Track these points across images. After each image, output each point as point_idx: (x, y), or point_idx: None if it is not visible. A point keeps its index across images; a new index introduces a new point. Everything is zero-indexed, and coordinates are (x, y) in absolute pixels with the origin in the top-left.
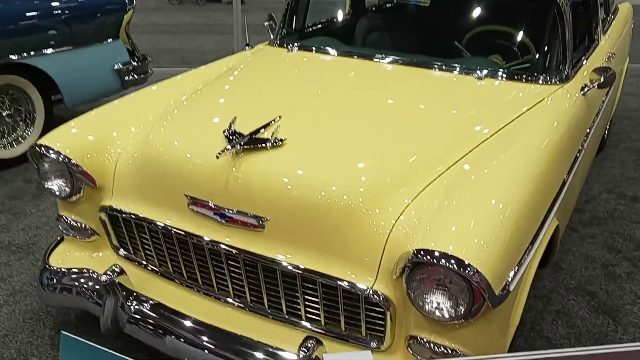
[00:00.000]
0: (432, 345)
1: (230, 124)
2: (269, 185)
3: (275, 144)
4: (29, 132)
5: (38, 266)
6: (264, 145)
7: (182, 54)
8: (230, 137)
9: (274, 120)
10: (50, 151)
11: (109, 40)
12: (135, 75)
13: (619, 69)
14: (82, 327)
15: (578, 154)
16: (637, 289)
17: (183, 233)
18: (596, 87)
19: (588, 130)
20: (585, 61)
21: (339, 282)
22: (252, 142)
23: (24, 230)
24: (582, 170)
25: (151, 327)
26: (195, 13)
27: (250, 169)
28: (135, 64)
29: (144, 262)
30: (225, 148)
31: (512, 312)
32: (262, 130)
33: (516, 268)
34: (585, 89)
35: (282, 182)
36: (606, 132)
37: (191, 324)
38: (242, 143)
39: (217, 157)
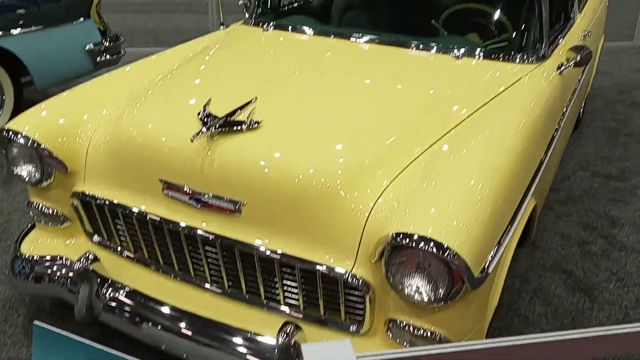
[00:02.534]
0: (411, 328)
1: (204, 106)
2: (245, 169)
3: (251, 126)
4: None
5: (10, 253)
6: (239, 127)
7: (157, 34)
8: (205, 120)
9: (250, 102)
10: (19, 135)
11: (79, 20)
12: (107, 56)
13: (595, 47)
14: (57, 315)
15: (555, 133)
16: (612, 267)
17: (158, 219)
18: (572, 65)
19: (564, 109)
20: (561, 40)
21: (318, 267)
22: (228, 125)
23: None
24: (558, 149)
25: (127, 315)
26: None
27: (226, 152)
28: (107, 44)
29: (119, 249)
30: (200, 131)
31: (490, 293)
32: (237, 112)
33: (495, 249)
34: (562, 68)
35: (258, 165)
36: (581, 110)
37: (168, 311)
38: (217, 125)
39: (192, 141)
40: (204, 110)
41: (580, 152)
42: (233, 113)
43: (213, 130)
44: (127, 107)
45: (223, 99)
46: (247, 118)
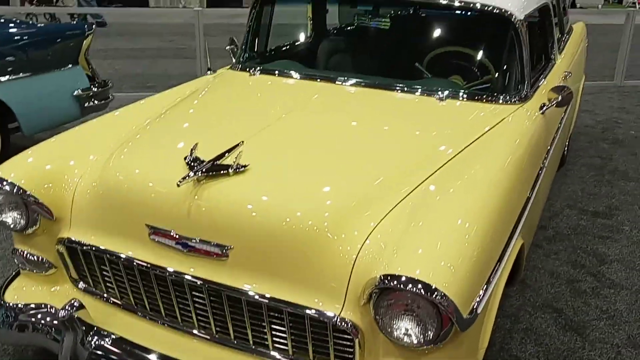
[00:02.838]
0: None
1: (191, 151)
2: (232, 213)
3: (237, 170)
4: None
5: None
6: (226, 171)
7: (145, 79)
8: (192, 164)
9: (237, 146)
10: (4, 182)
11: (68, 66)
12: (95, 102)
13: (576, 87)
14: None
15: (540, 172)
16: (602, 304)
17: (145, 264)
18: (554, 105)
19: (548, 148)
20: (543, 80)
21: (306, 311)
22: (214, 169)
23: None
24: (544, 188)
25: None
26: (158, 37)
27: (213, 196)
28: (95, 90)
29: (105, 295)
30: (187, 175)
31: (480, 334)
32: (224, 156)
33: (484, 289)
34: (544, 108)
35: (245, 209)
36: (566, 148)
37: (156, 359)
38: (204, 170)
39: (178, 185)
40: (191, 154)
41: (566, 189)
42: (220, 157)
43: (199, 175)
44: (113, 152)
45: (210, 143)
46: (234, 162)
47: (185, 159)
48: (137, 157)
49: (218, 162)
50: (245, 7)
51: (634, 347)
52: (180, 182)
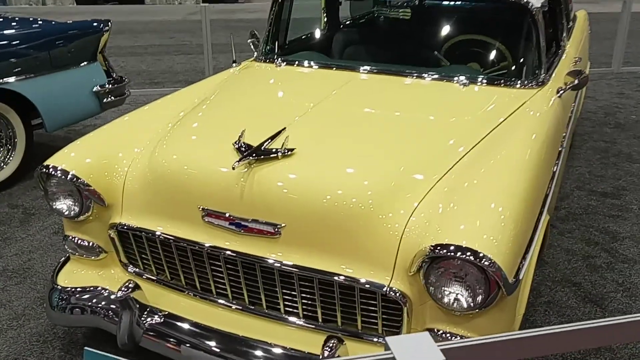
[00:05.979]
0: (448, 336)
1: (239, 137)
2: (284, 193)
3: (285, 154)
4: (11, 158)
5: (37, 290)
6: (275, 155)
7: (152, 75)
8: (242, 149)
9: (281, 132)
10: (59, 171)
11: (86, 63)
12: (113, 97)
13: None
14: (91, 345)
15: (560, 151)
16: (618, 278)
17: (199, 244)
18: (571, 89)
19: (566, 130)
20: (556, 66)
21: (358, 282)
22: (264, 153)
23: (17, 255)
24: (563, 167)
25: (167, 339)
26: (159, 34)
27: (265, 178)
28: (112, 85)
29: (154, 277)
30: (241, 158)
31: (519, 301)
32: (269, 141)
33: (523, 258)
34: (561, 91)
35: (296, 189)
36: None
37: (207, 332)
38: (256, 154)
39: (234, 168)
40: (239, 140)
41: (574, 172)
42: (266, 142)
43: (251, 159)
44: (160, 141)
45: (253, 130)
46: (281, 146)
47: (234, 144)
48: (186, 143)
49: (265, 146)
50: (240, 2)
51: None
52: (235, 165)
